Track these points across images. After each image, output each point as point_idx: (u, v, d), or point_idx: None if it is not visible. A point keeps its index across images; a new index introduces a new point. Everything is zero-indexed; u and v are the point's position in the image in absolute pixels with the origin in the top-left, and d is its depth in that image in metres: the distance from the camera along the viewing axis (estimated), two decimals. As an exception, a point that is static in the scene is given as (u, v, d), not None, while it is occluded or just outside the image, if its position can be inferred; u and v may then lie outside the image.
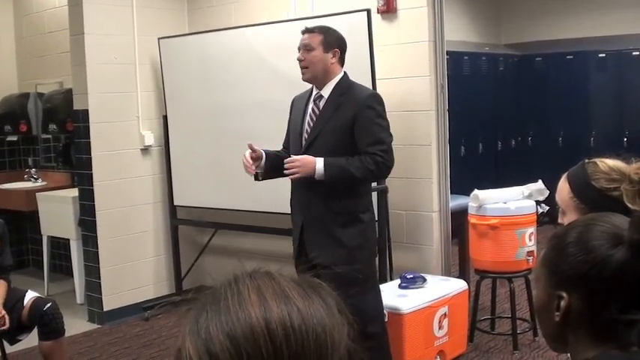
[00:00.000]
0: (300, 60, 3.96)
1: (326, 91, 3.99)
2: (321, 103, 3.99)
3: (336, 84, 3.98)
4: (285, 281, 0.99)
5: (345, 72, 4.03)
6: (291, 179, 3.95)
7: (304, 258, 3.96)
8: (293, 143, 4.08)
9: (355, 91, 4.00)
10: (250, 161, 3.99)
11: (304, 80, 4.02)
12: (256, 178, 4.14)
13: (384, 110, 3.98)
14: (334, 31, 4.04)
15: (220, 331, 0.92)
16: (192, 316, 0.97)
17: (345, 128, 3.88)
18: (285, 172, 3.89)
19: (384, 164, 3.88)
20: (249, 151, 4.01)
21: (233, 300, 0.95)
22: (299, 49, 3.99)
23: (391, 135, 3.97)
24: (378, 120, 3.93)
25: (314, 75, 3.97)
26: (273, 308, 0.93)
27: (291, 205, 4.18)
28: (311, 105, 4.03)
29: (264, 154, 4.04)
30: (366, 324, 3.93)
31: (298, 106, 4.15)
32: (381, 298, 4.18)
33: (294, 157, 3.90)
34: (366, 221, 4.03)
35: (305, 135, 4.00)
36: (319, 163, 3.83)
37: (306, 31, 4.00)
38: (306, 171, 3.83)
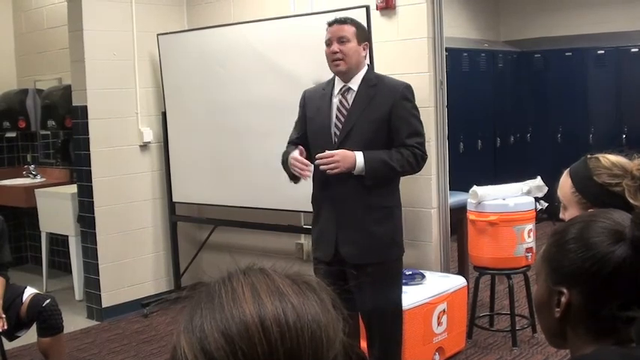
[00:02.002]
0: (334, 52, 3.84)
1: (354, 84, 3.88)
2: (350, 96, 3.88)
3: (364, 76, 3.89)
4: (279, 278, 0.99)
5: (368, 65, 3.99)
6: (330, 175, 3.75)
7: (338, 257, 3.85)
8: (318, 139, 3.94)
9: (387, 82, 3.94)
10: (302, 162, 3.82)
11: (337, 72, 3.89)
12: (296, 180, 3.99)
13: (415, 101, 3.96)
14: (363, 24, 4.02)
15: (215, 329, 0.92)
16: (187, 314, 0.97)
17: (382, 120, 3.80)
18: (321, 167, 3.74)
19: (421, 157, 3.83)
20: (297, 151, 3.84)
21: (227, 297, 0.95)
22: (329, 42, 3.87)
23: (424, 127, 3.96)
24: (415, 112, 3.88)
25: (349, 67, 3.85)
26: (268, 305, 0.93)
27: (316, 200, 4.03)
28: (338, 98, 3.91)
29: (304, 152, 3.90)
30: (390, 321, 3.93)
31: (315, 100, 4.02)
32: (402, 296, 4.13)
33: (331, 151, 3.76)
34: (399, 216, 3.96)
35: (335, 130, 3.87)
36: (359, 157, 3.72)
37: (338, 22, 3.89)
38: (345, 166, 3.72)
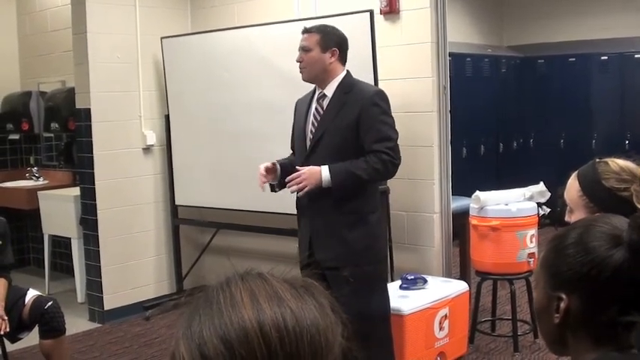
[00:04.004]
0: (298, 61, 3.94)
1: (329, 90, 3.93)
2: (325, 103, 3.93)
3: (340, 83, 3.92)
4: (277, 282, 0.99)
5: (347, 70, 3.98)
6: (299, 195, 3.88)
7: (313, 260, 3.89)
8: (297, 145, 4.05)
9: (359, 88, 3.94)
10: (264, 173, 3.94)
11: (304, 80, 4.01)
12: (273, 190, 4.11)
13: (389, 107, 3.93)
14: (333, 29, 3.97)
15: (214, 335, 0.92)
16: (185, 320, 0.97)
17: (351, 126, 3.82)
18: (291, 190, 3.84)
19: (391, 162, 3.81)
20: (267, 164, 3.96)
21: (226, 303, 0.95)
22: (299, 50, 3.97)
23: (397, 132, 3.91)
24: (384, 117, 3.86)
25: (312, 75, 3.93)
26: (266, 310, 0.93)
27: (297, 207, 4.12)
28: (314, 105, 3.98)
29: (278, 166, 3.98)
30: (371, 326, 3.92)
31: (301, 108, 4.11)
32: (388, 300, 4.13)
33: (298, 171, 3.81)
34: (374, 221, 3.96)
35: (309, 135, 3.94)
36: (324, 171, 3.77)
37: (304, 31, 3.97)
38: (312, 182, 3.77)
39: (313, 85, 4.07)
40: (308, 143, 3.94)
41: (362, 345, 3.57)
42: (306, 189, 3.79)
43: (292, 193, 3.89)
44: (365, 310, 3.83)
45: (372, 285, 3.96)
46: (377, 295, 4.00)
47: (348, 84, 3.94)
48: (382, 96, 3.92)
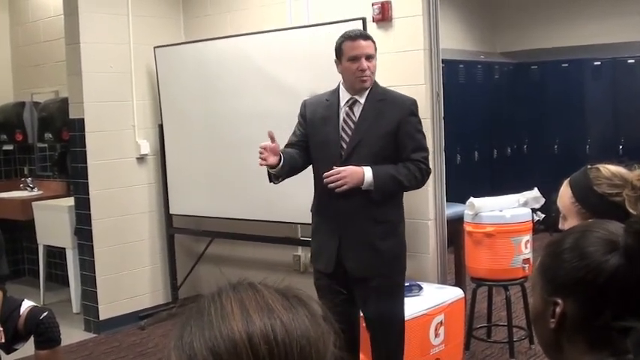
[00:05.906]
0: (364, 69, 3.77)
1: (362, 97, 3.84)
2: (357, 109, 3.84)
3: (371, 89, 3.86)
4: (268, 293, 0.99)
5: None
6: (338, 192, 3.71)
7: (341, 270, 3.85)
8: (325, 150, 3.88)
9: (393, 96, 3.93)
10: (265, 152, 3.71)
11: (363, 88, 3.83)
12: (272, 179, 3.89)
13: None
14: None
15: (204, 347, 0.92)
16: (177, 331, 0.97)
17: (390, 134, 3.79)
18: (330, 185, 3.71)
19: (426, 171, 3.85)
20: (268, 142, 3.73)
21: (216, 314, 0.95)
22: (356, 58, 3.78)
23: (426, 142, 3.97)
24: (420, 127, 3.91)
25: (372, 83, 3.87)
26: (256, 322, 0.93)
27: (318, 213, 4.00)
28: (344, 110, 3.87)
29: (281, 154, 3.80)
30: (391, 334, 3.93)
31: (319, 111, 3.95)
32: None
33: (338, 168, 3.72)
34: (402, 231, 3.96)
35: (343, 143, 3.83)
36: (367, 172, 3.71)
37: (364, 37, 3.85)
38: (354, 181, 3.70)
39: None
40: (343, 151, 3.83)
41: (384, 352, 3.55)
42: (344, 187, 3.70)
43: (331, 188, 3.73)
44: (391, 318, 3.86)
45: (398, 294, 3.96)
46: (401, 303, 4.01)
47: (381, 91, 3.91)
48: (417, 106, 3.94)
